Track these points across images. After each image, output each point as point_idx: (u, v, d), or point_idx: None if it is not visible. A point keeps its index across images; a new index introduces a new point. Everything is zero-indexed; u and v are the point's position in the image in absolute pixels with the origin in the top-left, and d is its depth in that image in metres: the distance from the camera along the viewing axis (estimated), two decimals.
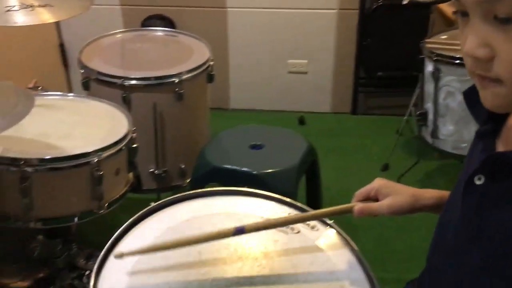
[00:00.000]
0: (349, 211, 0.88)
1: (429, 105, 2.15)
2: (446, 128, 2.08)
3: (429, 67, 2.10)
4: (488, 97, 0.61)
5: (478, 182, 0.66)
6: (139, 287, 0.78)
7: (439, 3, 2.36)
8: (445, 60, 1.99)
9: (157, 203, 0.93)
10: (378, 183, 0.89)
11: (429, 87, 2.12)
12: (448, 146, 2.11)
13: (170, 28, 2.89)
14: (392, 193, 0.87)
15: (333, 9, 3.02)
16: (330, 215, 0.89)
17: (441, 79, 2.03)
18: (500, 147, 0.69)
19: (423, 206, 0.87)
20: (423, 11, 2.70)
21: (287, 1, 3.03)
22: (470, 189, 0.68)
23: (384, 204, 0.87)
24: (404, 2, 2.26)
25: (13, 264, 1.84)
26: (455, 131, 2.06)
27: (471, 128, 2.02)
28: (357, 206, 0.87)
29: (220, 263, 0.84)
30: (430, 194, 0.88)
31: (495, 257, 0.64)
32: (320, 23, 3.07)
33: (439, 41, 2.13)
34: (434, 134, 2.13)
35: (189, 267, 0.82)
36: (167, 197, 2.05)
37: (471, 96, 0.69)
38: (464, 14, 0.59)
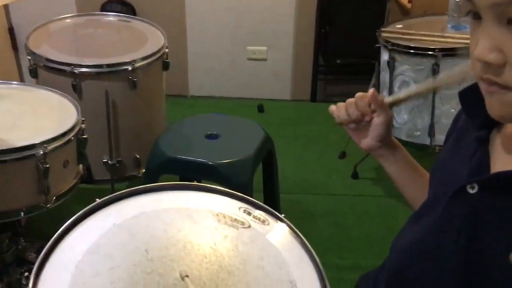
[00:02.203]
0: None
1: (384, 94, 2.17)
2: (401, 117, 2.11)
3: (384, 56, 2.12)
4: (495, 105, 0.58)
5: (471, 191, 0.64)
6: (82, 287, 0.75)
7: None
8: (400, 50, 2.01)
9: (102, 199, 0.90)
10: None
11: (385, 76, 2.14)
12: (403, 134, 2.15)
13: (131, 14, 2.81)
14: None
15: None
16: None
17: (396, 68, 2.05)
18: (496, 156, 0.67)
19: (395, 144, 0.93)
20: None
21: None
22: (461, 196, 0.65)
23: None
24: None
25: None
26: (409, 120, 2.09)
27: (425, 117, 2.06)
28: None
29: (167, 260, 0.81)
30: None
31: (479, 272, 0.63)
32: (279, 10, 3.05)
33: (394, 30, 2.15)
34: None
35: (135, 265, 0.80)
36: (121, 187, 2.00)
37: (467, 98, 0.67)
38: (477, 16, 0.56)
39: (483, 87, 0.59)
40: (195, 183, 0.98)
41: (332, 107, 0.94)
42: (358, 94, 0.89)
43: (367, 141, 0.92)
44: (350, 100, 0.90)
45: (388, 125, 0.89)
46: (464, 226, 0.66)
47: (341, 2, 3.01)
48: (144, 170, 1.97)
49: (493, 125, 0.68)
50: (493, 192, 0.63)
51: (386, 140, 0.91)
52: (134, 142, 1.94)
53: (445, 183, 0.72)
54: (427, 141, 2.07)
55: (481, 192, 0.64)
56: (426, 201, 0.78)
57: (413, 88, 0.84)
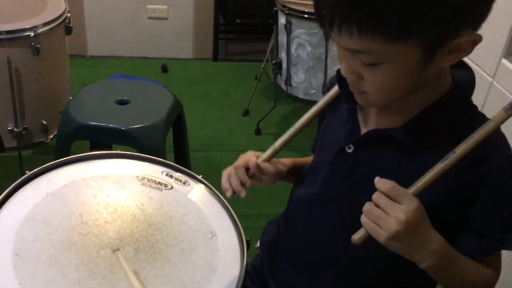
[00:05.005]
0: None
1: (283, 55, 2.34)
2: (298, 76, 2.30)
3: (282, 20, 2.26)
4: (359, 100, 0.78)
5: (349, 151, 0.83)
6: (24, 252, 0.83)
7: None
8: (295, 14, 2.16)
9: (32, 171, 0.96)
10: None
11: (282, 38, 2.30)
12: (300, 92, 2.35)
13: None
14: None
15: None
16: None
17: (292, 32, 2.22)
18: (361, 121, 0.84)
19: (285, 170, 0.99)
20: None
21: None
22: (341, 155, 0.84)
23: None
24: None
25: None
26: (305, 79, 2.29)
27: (319, 76, 2.26)
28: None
29: (101, 222, 0.91)
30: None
31: (353, 213, 0.78)
32: None
33: None
34: (288, 81, 2.35)
35: (72, 229, 0.89)
36: (29, 154, 2.00)
37: (342, 77, 0.80)
38: (338, 44, 0.71)
39: (350, 87, 0.78)
40: (119, 151, 1.06)
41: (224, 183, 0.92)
42: (236, 163, 0.92)
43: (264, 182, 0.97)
44: (230, 170, 0.92)
45: (275, 177, 0.95)
46: (345, 177, 0.85)
47: None
48: (52, 136, 1.98)
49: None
50: (364, 149, 0.83)
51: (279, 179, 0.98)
52: (40, 108, 1.93)
53: (327, 147, 0.90)
54: None
55: (356, 150, 0.83)
56: (314, 162, 0.96)
57: (286, 134, 0.91)
